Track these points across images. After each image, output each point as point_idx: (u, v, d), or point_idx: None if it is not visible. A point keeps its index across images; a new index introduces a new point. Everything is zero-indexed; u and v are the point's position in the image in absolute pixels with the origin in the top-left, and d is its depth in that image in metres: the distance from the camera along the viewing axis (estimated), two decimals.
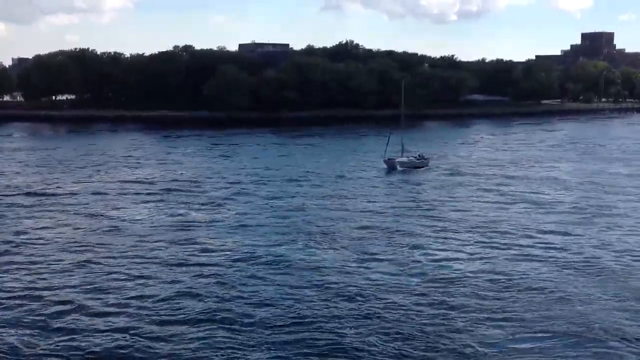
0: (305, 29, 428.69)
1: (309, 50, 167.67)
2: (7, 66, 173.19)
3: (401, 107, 77.93)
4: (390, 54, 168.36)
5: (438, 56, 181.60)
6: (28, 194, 55.00)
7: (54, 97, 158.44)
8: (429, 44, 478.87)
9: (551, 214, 47.60)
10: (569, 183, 61.97)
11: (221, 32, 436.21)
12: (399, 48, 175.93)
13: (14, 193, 55.14)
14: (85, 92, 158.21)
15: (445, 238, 40.42)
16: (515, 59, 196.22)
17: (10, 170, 69.24)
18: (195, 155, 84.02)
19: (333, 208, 49.49)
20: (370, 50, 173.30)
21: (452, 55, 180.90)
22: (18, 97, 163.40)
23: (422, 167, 71.04)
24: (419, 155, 73.15)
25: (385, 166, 70.49)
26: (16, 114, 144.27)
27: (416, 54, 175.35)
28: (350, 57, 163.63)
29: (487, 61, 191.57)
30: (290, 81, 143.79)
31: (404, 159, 71.51)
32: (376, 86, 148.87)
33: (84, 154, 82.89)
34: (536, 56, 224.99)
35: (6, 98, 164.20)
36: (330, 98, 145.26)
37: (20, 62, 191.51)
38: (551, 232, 42.17)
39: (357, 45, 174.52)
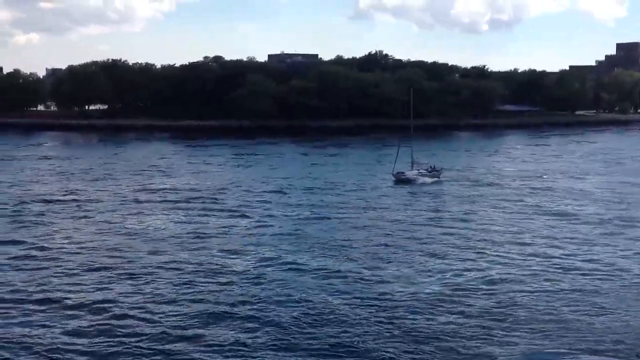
0: (334, 39, 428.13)
1: (338, 61, 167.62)
2: (41, 76, 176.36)
3: (410, 118, 76.08)
4: (419, 64, 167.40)
5: (469, 66, 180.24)
6: (53, 201, 55.82)
7: (86, 107, 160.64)
8: (460, 54, 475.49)
9: (574, 226, 46.49)
10: (595, 195, 60.41)
11: (251, 43, 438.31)
12: (429, 58, 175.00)
13: (39, 200, 55.96)
14: (116, 102, 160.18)
15: (461, 249, 39.69)
16: (548, 69, 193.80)
17: (38, 178, 70.38)
18: (218, 164, 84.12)
19: (349, 218, 49.01)
20: (399, 60, 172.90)
21: (483, 65, 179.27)
22: (52, 107, 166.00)
23: (434, 179, 68.79)
24: (431, 167, 70.59)
25: (394, 179, 68.29)
26: (49, 123, 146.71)
27: (446, 64, 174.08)
28: (379, 67, 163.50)
29: (519, 71, 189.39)
30: (316, 90, 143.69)
31: (414, 172, 69.30)
32: (404, 96, 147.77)
33: (111, 163, 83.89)
34: (570, 66, 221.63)
35: (40, 107, 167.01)
36: (357, 107, 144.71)
37: (53, 72, 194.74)
38: (573, 244, 41.16)
39: (387, 55, 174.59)
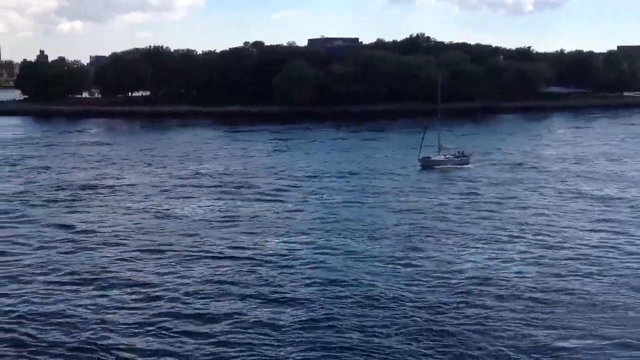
0: (375, 22, 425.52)
1: (379, 44, 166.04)
2: (85, 63, 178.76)
3: (438, 102, 74.55)
4: (462, 46, 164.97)
5: (513, 48, 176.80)
6: (92, 186, 57.31)
7: (129, 94, 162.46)
8: (504, 36, 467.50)
9: (614, 210, 45.59)
10: (637, 179, 58.87)
11: (291, 28, 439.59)
12: (472, 40, 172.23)
13: (79, 186, 57.50)
14: (158, 89, 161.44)
15: (492, 233, 39.27)
16: (596, 50, 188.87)
17: (79, 164, 71.73)
18: (256, 149, 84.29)
19: (379, 203, 48.90)
20: (441, 43, 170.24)
21: (528, 47, 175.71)
22: (95, 94, 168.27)
23: (462, 164, 66.91)
24: (459, 152, 68.70)
25: (420, 165, 66.70)
26: (93, 109, 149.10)
27: (490, 46, 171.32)
28: (421, 50, 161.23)
29: (565, 52, 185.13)
30: (357, 74, 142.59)
31: (441, 157, 67.85)
32: (446, 79, 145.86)
33: (151, 149, 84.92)
34: (618, 47, 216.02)
35: (84, 94, 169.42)
36: (397, 91, 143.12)
37: (97, 59, 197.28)
38: (612, 227, 40.42)
39: (428, 38, 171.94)
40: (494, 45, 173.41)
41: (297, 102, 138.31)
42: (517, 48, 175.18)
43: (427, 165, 66.66)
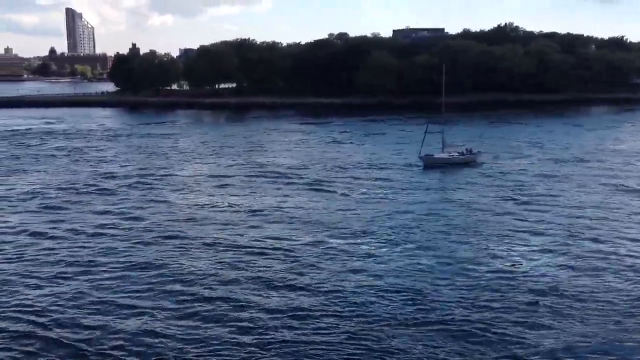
0: (462, 12, 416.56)
1: (465, 34, 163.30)
2: (174, 56, 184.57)
3: (442, 95, 72.21)
4: (552, 35, 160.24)
5: (606, 37, 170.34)
6: (146, 175, 60.10)
7: (217, 85, 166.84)
8: (597, 25, 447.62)
9: None
10: None
11: (376, 19, 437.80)
12: (564, 30, 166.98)
13: (133, 175, 60.18)
14: (244, 80, 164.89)
15: (506, 236, 38.51)
16: None
17: (142, 155, 74.85)
18: (316, 142, 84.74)
19: (407, 201, 48.21)
20: (531, 32, 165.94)
21: (622, 36, 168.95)
22: (184, 86, 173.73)
23: (468, 162, 63.93)
24: (466, 150, 65.63)
25: (423, 163, 63.54)
26: (182, 101, 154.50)
27: (581, 35, 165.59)
28: (509, 40, 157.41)
29: None
30: (441, 65, 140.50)
31: (445, 155, 64.86)
32: (534, 69, 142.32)
33: (222, 141, 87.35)
34: None
35: (174, 86, 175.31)
36: (483, 82, 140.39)
37: (186, 52, 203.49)
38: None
39: (517, 27, 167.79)
40: (586, 35, 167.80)
41: (379, 94, 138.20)
42: (609, 37, 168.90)
43: (430, 163, 63.47)
